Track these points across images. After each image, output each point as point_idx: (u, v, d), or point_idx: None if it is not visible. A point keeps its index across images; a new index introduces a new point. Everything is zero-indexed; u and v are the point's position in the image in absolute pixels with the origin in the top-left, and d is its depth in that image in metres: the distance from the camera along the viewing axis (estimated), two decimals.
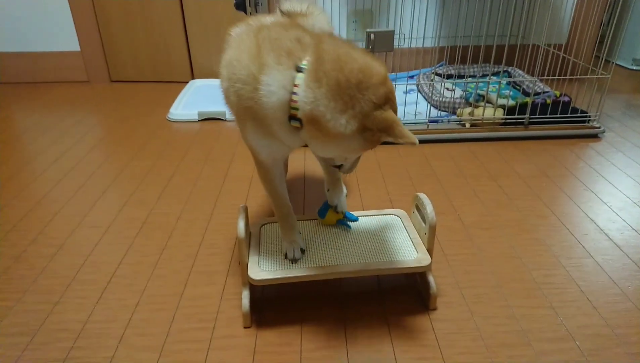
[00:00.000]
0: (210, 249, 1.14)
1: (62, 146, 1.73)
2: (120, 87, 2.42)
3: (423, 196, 0.96)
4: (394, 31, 1.52)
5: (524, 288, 1.01)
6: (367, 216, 1.06)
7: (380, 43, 1.54)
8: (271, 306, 0.96)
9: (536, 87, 1.95)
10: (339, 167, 0.87)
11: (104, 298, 1.00)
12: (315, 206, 1.29)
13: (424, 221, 0.94)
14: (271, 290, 1.00)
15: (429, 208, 0.92)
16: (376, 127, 0.72)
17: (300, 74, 0.72)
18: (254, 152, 0.88)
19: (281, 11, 1.10)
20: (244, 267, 0.88)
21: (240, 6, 1.67)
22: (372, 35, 1.53)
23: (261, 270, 0.87)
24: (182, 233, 1.21)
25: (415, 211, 1.00)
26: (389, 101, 0.74)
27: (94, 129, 1.88)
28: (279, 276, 0.86)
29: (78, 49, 2.43)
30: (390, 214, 1.06)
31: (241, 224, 0.86)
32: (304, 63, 0.72)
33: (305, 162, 1.60)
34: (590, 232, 1.20)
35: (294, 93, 0.71)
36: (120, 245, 1.17)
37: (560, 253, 1.12)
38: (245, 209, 0.91)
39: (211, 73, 2.47)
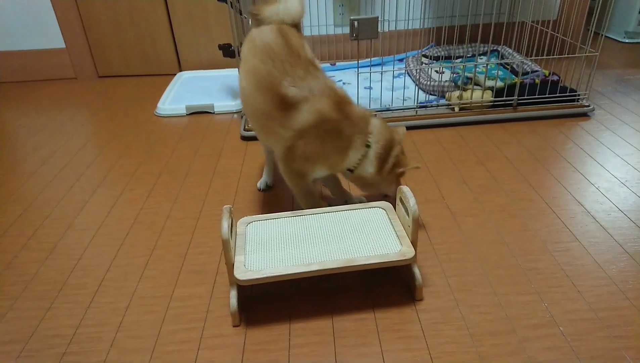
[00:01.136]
0: (199, 248, 1.15)
1: (51, 147, 1.72)
2: (108, 82, 2.40)
3: (406, 189, 0.97)
4: (377, 18, 1.50)
5: (509, 274, 1.02)
6: (353, 209, 1.06)
7: (364, 30, 1.52)
8: (259, 304, 0.97)
9: (525, 66, 1.94)
10: (386, 196, 1.22)
11: (95, 302, 1.01)
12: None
13: (408, 214, 0.94)
14: (259, 288, 1.01)
15: (412, 201, 0.92)
16: (393, 170, 1.11)
17: (367, 149, 1.08)
18: (313, 176, 1.11)
19: (252, 14, 1.11)
20: (230, 268, 0.88)
21: None
22: (356, 23, 1.51)
23: (247, 269, 0.88)
24: (172, 232, 1.21)
25: (399, 203, 1.01)
26: (400, 153, 1.13)
27: (83, 128, 1.88)
28: (265, 276, 0.87)
29: (63, 45, 2.40)
30: (375, 208, 1.07)
31: (225, 226, 0.86)
32: (370, 142, 1.07)
33: None
34: (577, 215, 1.20)
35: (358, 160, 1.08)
36: (110, 246, 1.18)
37: (547, 238, 1.13)
38: (229, 210, 0.91)
39: (198, 64, 2.45)
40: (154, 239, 1.19)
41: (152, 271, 1.08)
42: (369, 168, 1.09)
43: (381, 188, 1.16)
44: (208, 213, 1.29)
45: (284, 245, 0.95)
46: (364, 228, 0.99)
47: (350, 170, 1.10)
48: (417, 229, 0.93)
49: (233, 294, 0.90)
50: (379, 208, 1.06)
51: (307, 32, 2.36)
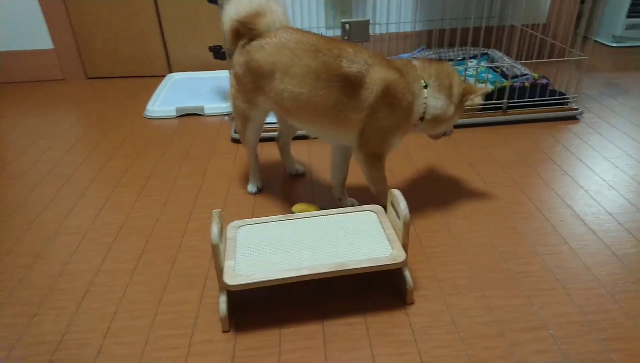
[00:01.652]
0: (189, 252, 1.14)
1: (39, 149, 1.70)
2: (97, 83, 2.38)
3: (397, 192, 0.96)
4: (369, 21, 1.50)
5: (500, 277, 1.02)
6: (344, 213, 1.06)
7: (355, 33, 1.52)
8: (250, 309, 0.97)
9: (515, 69, 1.95)
10: (444, 134, 1.26)
11: (82, 307, 0.99)
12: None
13: (399, 217, 0.94)
14: (249, 293, 1.00)
15: (403, 205, 0.92)
16: (464, 100, 1.13)
17: (425, 90, 1.10)
18: (389, 152, 1.14)
19: (239, 22, 1.11)
20: (219, 273, 0.87)
21: None
22: (348, 26, 1.51)
23: (237, 274, 0.87)
24: (161, 236, 1.20)
25: (391, 207, 1.01)
26: (461, 82, 1.15)
27: (71, 129, 1.85)
28: (256, 281, 0.86)
29: (52, 46, 2.37)
30: (366, 211, 1.06)
31: (215, 231, 0.86)
32: (424, 81, 1.10)
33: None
34: (566, 218, 1.21)
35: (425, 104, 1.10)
36: (98, 251, 1.16)
37: (537, 241, 1.13)
38: (219, 214, 0.90)
39: (188, 66, 2.43)
40: (142, 243, 1.18)
41: (141, 276, 1.07)
42: (437, 103, 1.10)
43: (452, 121, 1.17)
44: (198, 216, 1.28)
45: (274, 249, 0.94)
46: (355, 232, 0.99)
47: (422, 118, 1.12)
48: (408, 232, 0.92)
49: (223, 299, 0.89)
50: (371, 211, 1.06)
51: None
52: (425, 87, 1.09)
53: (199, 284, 1.03)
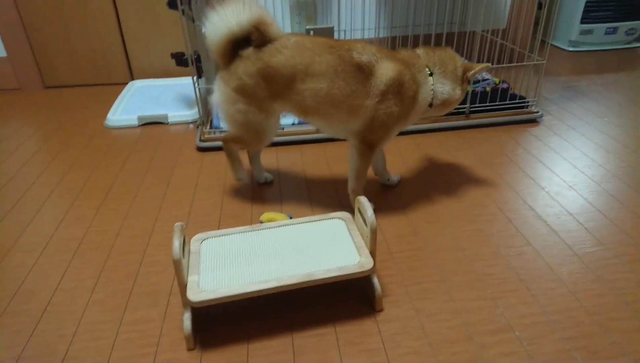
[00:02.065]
0: (151, 267, 1.10)
1: None
2: (55, 93, 2.29)
3: (363, 199, 0.96)
4: (333, 27, 1.51)
5: (466, 280, 1.03)
6: (312, 221, 1.05)
7: None
8: (216, 324, 0.94)
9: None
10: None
11: (39, 329, 0.94)
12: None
13: (366, 224, 0.94)
14: (215, 308, 0.97)
15: (369, 212, 0.92)
16: (465, 78, 1.20)
17: (431, 78, 1.17)
18: (385, 143, 1.22)
19: (264, 34, 1.12)
20: (183, 289, 0.85)
21: (173, 5, 1.60)
22: (312, 32, 1.51)
23: (201, 290, 0.84)
24: (122, 251, 1.16)
25: (358, 214, 1.00)
26: (463, 62, 1.21)
27: (27, 142, 1.77)
28: (220, 296, 0.83)
29: (4, 54, 2.26)
30: (334, 219, 1.06)
31: (176, 244, 0.83)
32: (430, 69, 1.17)
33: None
34: (529, 219, 1.24)
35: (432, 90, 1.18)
36: (55, 269, 1.11)
37: (501, 242, 1.15)
38: (181, 228, 0.88)
39: (151, 73, 2.37)
40: (102, 259, 1.13)
41: (101, 294, 1.03)
42: (444, 88, 1.18)
43: (460, 100, 1.24)
44: (161, 229, 1.24)
45: (240, 262, 0.92)
46: (322, 240, 0.98)
47: (430, 105, 1.19)
48: (375, 239, 0.92)
49: (187, 316, 0.86)
50: (338, 218, 1.06)
51: None
52: (431, 75, 1.17)
53: (162, 301, 1.00)
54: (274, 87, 1.14)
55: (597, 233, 1.18)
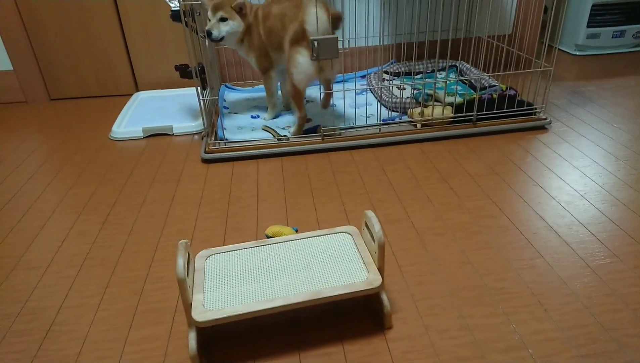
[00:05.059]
0: (156, 283, 1.09)
1: None
2: (61, 105, 2.30)
3: (371, 214, 0.94)
4: (337, 38, 1.49)
5: (476, 295, 1.01)
6: (318, 236, 1.03)
7: (324, 50, 1.51)
8: (221, 344, 0.92)
9: (483, 81, 1.98)
10: None
11: (42, 349, 0.93)
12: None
13: (374, 239, 0.92)
14: (221, 327, 0.96)
15: (377, 227, 0.90)
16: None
17: None
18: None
19: None
20: (187, 308, 0.83)
21: (176, 18, 1.60)
22: (316, 43, 1.50)
23: (206, 309, 0.83)
24: (126, 267, 1.15)
25: (365, 228, 0.98)
26: None
27: (33, 155, 1.77)
28: (226, 315, 0.82)
29: (11, 68, 2.28)
30: (341, 233, 1.04)
31: (180, 263, 0.81)
32: None
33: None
34: (539, 230, 1.22)
35: None
36: (60, 286, 1.10)
37: (511, 255, 1.13)
38: (186, 246, 0.86)
39: (156, 84, 2.38)
40: (107, 275, 1.12)
41: (106, 312, 1.01)
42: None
43: None
44: (166, 243, 1.23)
45: (245, 279, 0.90)
46: (329, 256, 0.96)
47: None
48: (383, 255, 0.90)
49: (192, 336, 0.84)
50: (345, 233, 1.04)
51: None
52: None
53: (168, 318, 0.98)
54: None
55: (611, 244, 1.15)
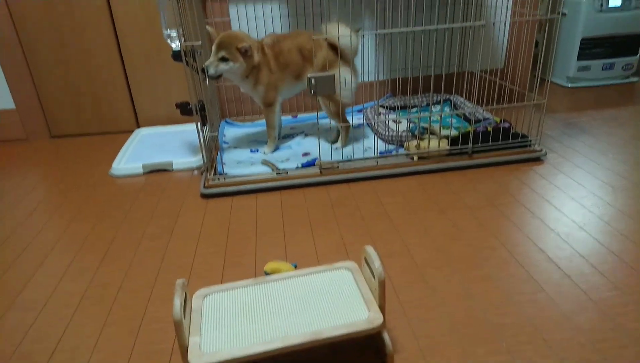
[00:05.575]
0: (154, 323, 1.07)
1: None
2: (61, 142, 2.32)
3: (370, 249, 0.94)
4: (334, 75, 1.53)
5: (479, 331, 0.99)
6: (317, 272, 1.02)
7: (321, 87, 1.54)
8: None
9: (477, 114, 2.01)
10: None
11: None
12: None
13: (374, 276, 0.91)
14: None
15: (377, 263, 0.90)
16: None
17: None
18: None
19: None
20: (184, 352, 0.82)
21: (177, 57, 1.64)
22: (313, 80, 1.53)
23: (203, 353, 0.81)
24: (123, 305, 1.13)
25: (365, 264, 0.98)
26: None
27: (32, 193, 1.78)
28: (222, 359, 0.80)
29: (13, 106, 2.31)
30: (341, 269, 1.03)
31: (177, 304, 0.80)
32: None
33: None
34: (540, 263, 1.21)
35: None
36: (55, 327, 1.08)
37: (512, 289, 1.12)
38: (183, 286, 0.85)
39: (157, 120, 2.41)
40: (104, 315, 1.10)
41: (102, 353, 0.99)
42: None
43: None
44: (163, 280, 1.21)
45: (243, 320, 0.89)
46: (329, 293, 0.95)
47: None
48: (384, 293, 0.89)
49: None
50: (345, 269, 1.03)
51: None
52: None
53: (164, 360, 0.96)
54: None
55: (612, 276, 1.15)
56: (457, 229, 1.38)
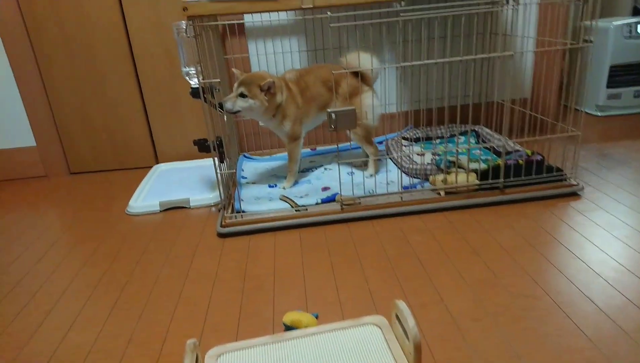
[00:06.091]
0: None
1: (9, 256, 1.57)
2: (80, 179, 2.30)
3: (402, 305, 0.85)
4: (355, 109, 1.47)
5: None
6: (342, 328, 0.93)
7: (342, 122, 1.48)
8: None
9: (506, 146, 1.91)
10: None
11: None
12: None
13: (407, 336, 0.81)
14: None
15: (411, 323, 0.80)
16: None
17: None
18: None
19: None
20: None
21: (196, 95, 1.61)
22: (334, 115, 1.47)
23: None
24: (132, 360, 1.05)
25: (396, 319, 0.88)
26: None
27: (48, 231, 1.74)
28: None
29: (34, 144, 2.32)
30: (368, 324, 0.93)
31: None
32: None
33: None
34: (589, 315, 1.09)
35: None
36: None
37: (561, 346, 1.00)
38: (194, 347, 0.77)
39: (176, 155, 2.38)
40: None
41: None
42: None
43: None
44: (176, 331, 1.13)
45: None
46: (356, 354, 0.86)
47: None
48: (420, 359, 0.79)
49: None
50: (373, 325, 0.93)
51: None
52: None
53: None
54: None
55: None
56: (493, 273, 1.27)
